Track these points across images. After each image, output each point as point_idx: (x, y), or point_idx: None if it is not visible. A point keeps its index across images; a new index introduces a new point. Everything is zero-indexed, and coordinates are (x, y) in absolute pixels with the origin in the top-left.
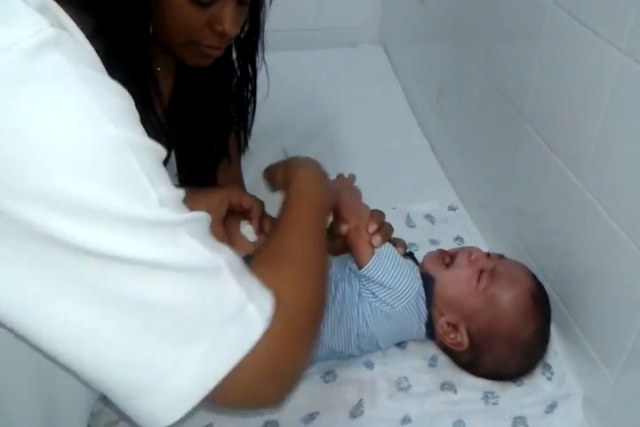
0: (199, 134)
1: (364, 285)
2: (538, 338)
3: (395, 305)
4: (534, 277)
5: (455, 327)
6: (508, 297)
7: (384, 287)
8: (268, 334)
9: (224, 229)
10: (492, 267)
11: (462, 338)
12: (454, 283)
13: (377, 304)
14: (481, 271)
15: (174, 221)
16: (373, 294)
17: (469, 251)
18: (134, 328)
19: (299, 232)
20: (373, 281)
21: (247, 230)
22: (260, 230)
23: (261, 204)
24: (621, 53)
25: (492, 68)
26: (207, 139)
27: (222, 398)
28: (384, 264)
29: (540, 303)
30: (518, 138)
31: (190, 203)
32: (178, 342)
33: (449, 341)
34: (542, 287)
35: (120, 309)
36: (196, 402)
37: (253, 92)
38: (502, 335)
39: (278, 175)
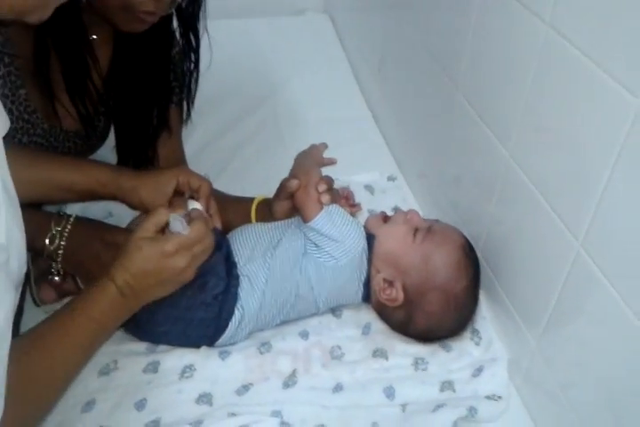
0: (138, 104)
1: (310, 238)
2: (469, 294)
3: (340, 258)
4: (465, 237)
5: (391, 284)
6: (443, 252)
7: (331, 240)
8: None
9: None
10: (427, 226)
11: (397, 293)
12: (391, 238)
13: (322, 260)
14: (416, 229)
15: None
16: (318, 246)
17: (406, 212)
18: None
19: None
20: (321, 234)
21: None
22: (206, 210)
23: (209, 183)
24: (545, 25)
25: (430, 38)
26: (147, 109)
27: None
28: (333, 218)
29: (471, 260)
30: (453, 108)
31: (138, 183)
32: None
33: (384, 297)
34: (472, 247)
35: None
36: None
37: (196, 63)
38: (436, 289)
39: None
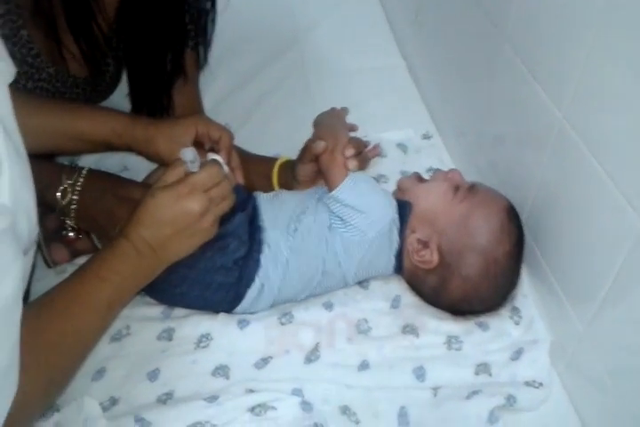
0: (151, 48)
1: (335, 210)
2: (511, 261)
3: (367, 232)
4: (509, 202)
5: (426, 244)
6: (485, 212)
7: (357, 211)
8: None
9: None
10: (468, 185)
11: (432, 255)
12: (430, 195)
13: (348, 234)
14: (457, 187)
15: None
16: (343, 220)
17: (446, 171)
18: None
19: (94, 312)
20: (346, 205)
21: None
22: (227, 163)
23: (230, 134)
24: None
25: None
26: (160, 53)
27: None
28: (359, 186)
29: (515, 225)
30: (498, 61)
31: (154, 133)
32: None
33: (418, 259)
34: (517, 212)
35: None
36: None
37: (213, 2)
38: (475, 251)
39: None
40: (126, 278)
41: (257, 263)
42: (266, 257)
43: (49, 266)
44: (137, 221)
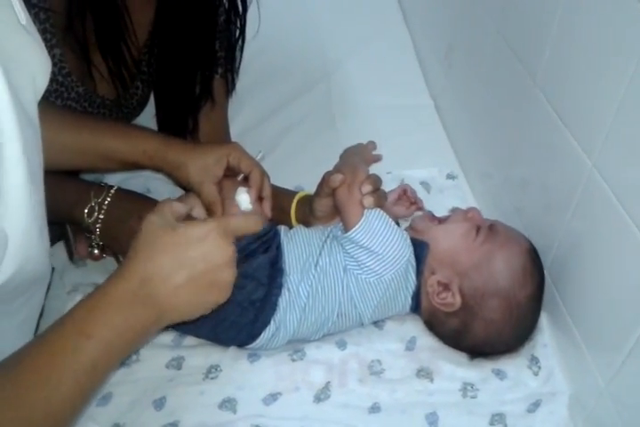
0: (181, 72)
1: (349, 251)
2: (533, 303)
3: (383, 273)
4: (530, 241)
5: (446, 286)
6: (508, 254)
7: (371, 253)
8: None
9: (219, 192)
10: (489, 224)
11: (454, 298)
12: (450, 237)
13: (363, 276)
14: (478, 227)
15: None
16: (358, 261)
17: (465, 209)
18: None
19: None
20: (361, 246)
21: (242, 199)
22: (257, 200)
23: (261, 170)
24: None
25: (506, 24)
26: (189, 77)
27: None
28: (373, 227)
29: (537, 266)
30: (528, 105)
31: (185, 159)
32: None
33: (439, 301)
34: (537, 252)
35: None
36: None
37: (242, 29)
38: (498, 295)
39: None
40: (118, 333)
41: (274, 306)
42: (284, 301)
43: (72, 260)
44: (141, 256)
